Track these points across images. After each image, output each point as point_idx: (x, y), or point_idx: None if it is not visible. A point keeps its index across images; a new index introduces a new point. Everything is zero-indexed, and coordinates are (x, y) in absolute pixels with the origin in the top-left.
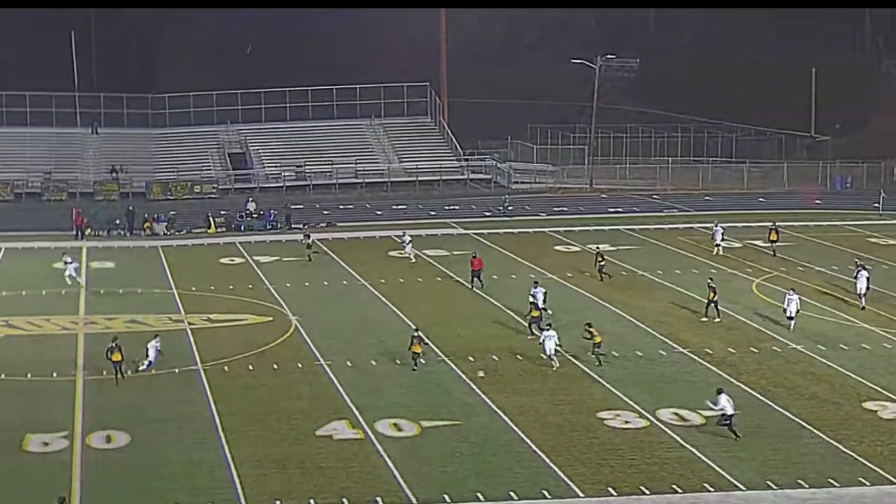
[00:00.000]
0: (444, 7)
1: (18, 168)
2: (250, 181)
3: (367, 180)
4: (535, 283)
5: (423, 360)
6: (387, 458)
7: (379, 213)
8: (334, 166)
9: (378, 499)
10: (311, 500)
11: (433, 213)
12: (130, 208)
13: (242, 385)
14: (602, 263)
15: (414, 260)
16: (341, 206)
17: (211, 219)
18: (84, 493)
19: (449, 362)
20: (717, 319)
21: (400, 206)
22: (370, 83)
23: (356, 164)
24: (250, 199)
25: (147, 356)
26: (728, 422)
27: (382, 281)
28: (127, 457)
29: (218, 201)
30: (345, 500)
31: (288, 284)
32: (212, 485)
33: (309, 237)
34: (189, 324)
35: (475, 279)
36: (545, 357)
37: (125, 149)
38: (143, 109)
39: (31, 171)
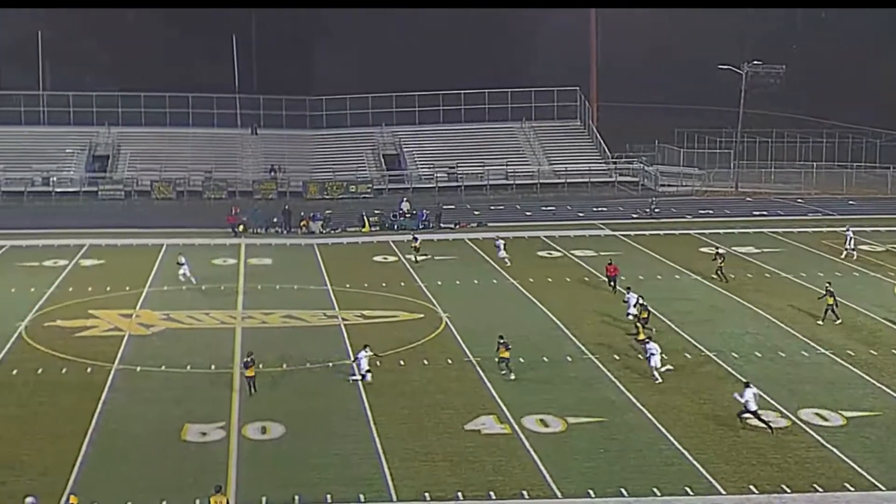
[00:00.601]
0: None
1: (181, 167)
2: (404, 181)
3: (517, 182)
4: (628, 288)
5: (508, 366)
6: (533, 453)
7: (528, 213)
8: (486, 168)
9: (524, 492)
10: (459, 493)
11: (581, 214)
12: (287, 207)
13: (394, 380)
14: (721, 265)
15: (509, 263)
16: (492, 207)
17: (365, 218)
18: (239, 482)
19: (595, 360)
20: (838, 321)
21: (549, 207)
22: (522, 87)
23: (507, 165)
24: (404, 198)
25: (359, 367)
26: (749, 415)
27: (531, 280)
28: (281, 447)
29: (372, 201)
30: (492, 493)
31: (439, 282)
32: (362, 476)
33: (417, 240)
34: (343, 320)
35: (612, 285)
36: (652, 369)
37: (283, 149)
38: (301, 111)
39: (193, 170)
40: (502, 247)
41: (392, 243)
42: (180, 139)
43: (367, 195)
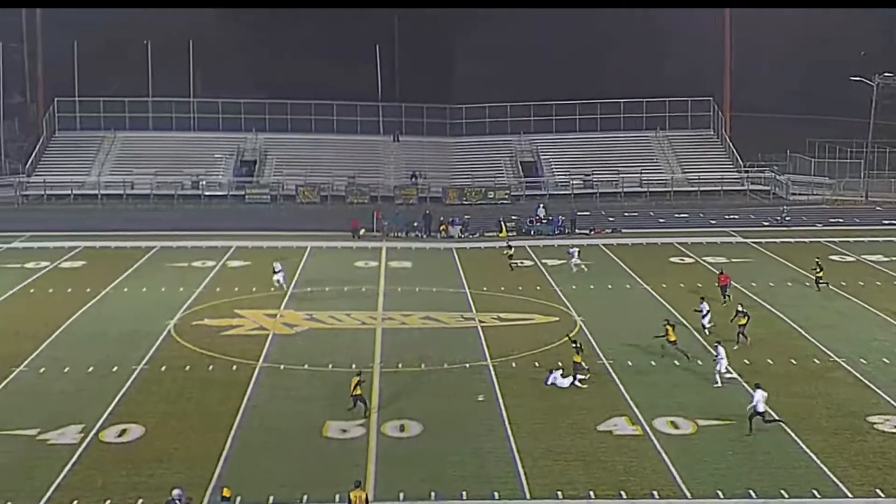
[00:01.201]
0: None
1: (325, 172)
2: (540, 188)
3: (651, 189)
4: (702, 298)
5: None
6: (664, 455)
7: (661, 220)
8: (620, 175)
9: (654, 493)
10: (591, 492)
11: (713, 221)
12: (428, 212)
13: (528, 381)
14: (819, 274)
15: (586, 269)
16: (626, 214)
17: (502, 223)
18: (378, 478)
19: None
20: None
21: (682, 215)
22: (656, 96)
23: (641, 173)
24: (540, 204)
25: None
26: (759, 415)
27: (664, 285)
28: (419, 445)
29: (509, 207)
30: (623, 492)
31: (574, 287)
32: (497, 474)
33: (510, 248)
34: (480, 322)
35: (724, 295)
36: (717, 373)
37: (424, 156)
38: (441, 119)
39: (337, 176)
40: (576, 254)
41: (528, 248)
42: (325, 145)
43: (504, 201)
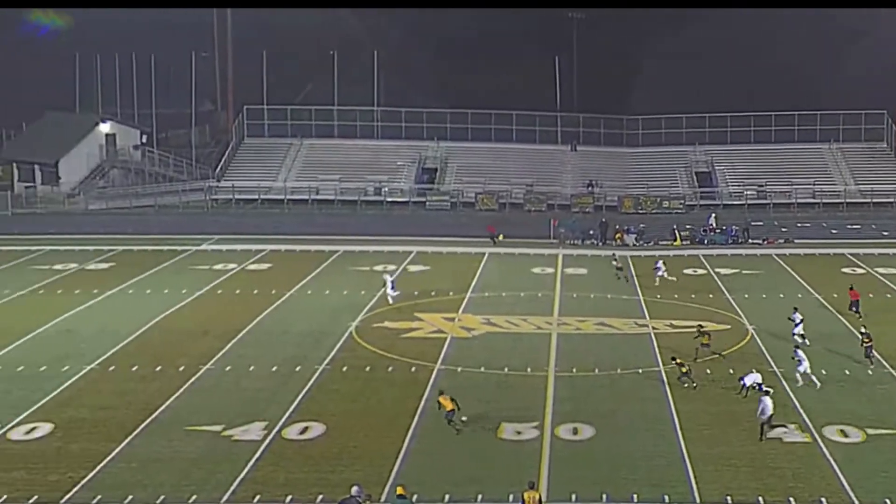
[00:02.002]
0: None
1: (503, 180)
2: (714, 198)
3: (824, 200)
4: (795, 308)
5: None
6: (833, 462)
7: (834, 231)
8: (793, 186)
9: (822, 499)
10: (760, 498)
11: (885, 233)
12: (603, 220)
13: (700, 387)
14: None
15: (675, 280)
16: (798, 224)
17: (676, 232)
18: (551, 480)
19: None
20: None
21: (854, 226)
22: (830, 109)
23: (814, 185)
24: (712, 214)
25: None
26: (766, 421)
27: (835, 295)
28: (591, 448)
29: (683, 216)
30: (791, 499)
31: (746, 295)
32: (667, 478)
33: (616, 258)
34: (653, 328)
35: (855, 311)
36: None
37: (600, 165)
38: (618, 130)
39: (515, 184)
40: (662, 267)
41: (702, 257)
42: (504, 154)
43: (678, 210)
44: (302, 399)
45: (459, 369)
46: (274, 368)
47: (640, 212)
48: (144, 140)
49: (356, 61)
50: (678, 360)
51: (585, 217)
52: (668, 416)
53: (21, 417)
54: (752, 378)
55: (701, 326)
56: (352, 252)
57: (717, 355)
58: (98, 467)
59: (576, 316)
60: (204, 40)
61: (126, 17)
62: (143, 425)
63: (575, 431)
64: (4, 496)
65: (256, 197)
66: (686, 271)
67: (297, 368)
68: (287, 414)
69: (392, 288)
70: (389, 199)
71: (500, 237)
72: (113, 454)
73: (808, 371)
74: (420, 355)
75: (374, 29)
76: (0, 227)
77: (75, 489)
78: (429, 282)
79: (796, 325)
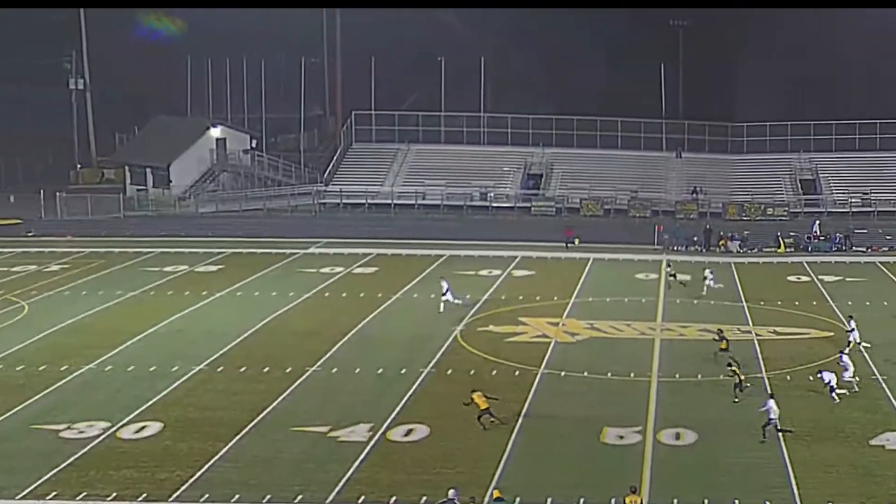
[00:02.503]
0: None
1: (608, 186)
2: (818, 206)
3: None
4: (850, 317)
5: (747, 385)
6: None
7: None
8: None
9: None
10: None
11: None
12: (708, 227)
13: (802, 394)
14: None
15: (722, 286)
16: None
17: (781, 239)
18: (653, 484)
19: None
20: None
21: None
22: None
23: None
24: (816, 221)
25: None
26: (770, 424)
27: None
28: (693, 454)
29: (787, 223)
30: None
31: (850, 303)
32: (770, 483)
33: (670, 266)
34: (756, 335)
35: None
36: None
37: (705, 172)
38: (723, 137)
39: (620, 190)
40: (711, 276)
41: (805, 264)
42: (608, 160)
43: (782, 218)
44: (407, 401)
45: (563, 374)
46: (379, 371)
47: (745, 219)
48: (254, 144)
49: (463, 67)
50: (733, 368)
51: (689, 223)
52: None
53: (131, 416)
54: (829, 376)
55: (720, 331)
56: (457, 256)
57: (733, 360)
58: (206, 466)
59: (679, 322)
60: (314, 46)
61: (238, 23)
62: (250, 425)
63: (677, 436)
64: (114, 494)
65: (364, 201)
66: (790, 278)
67: (403, 371)
68: (392, 416)
69: (451, 294)
70: (495, 205)
71: (577, 241)
72: (220, 454)
73: (851, 378)
74: (524, 359)
75: (481, 35)
76: (112, 229)
77: (183, 488)
78: (533, 286)
79: (850, 332)
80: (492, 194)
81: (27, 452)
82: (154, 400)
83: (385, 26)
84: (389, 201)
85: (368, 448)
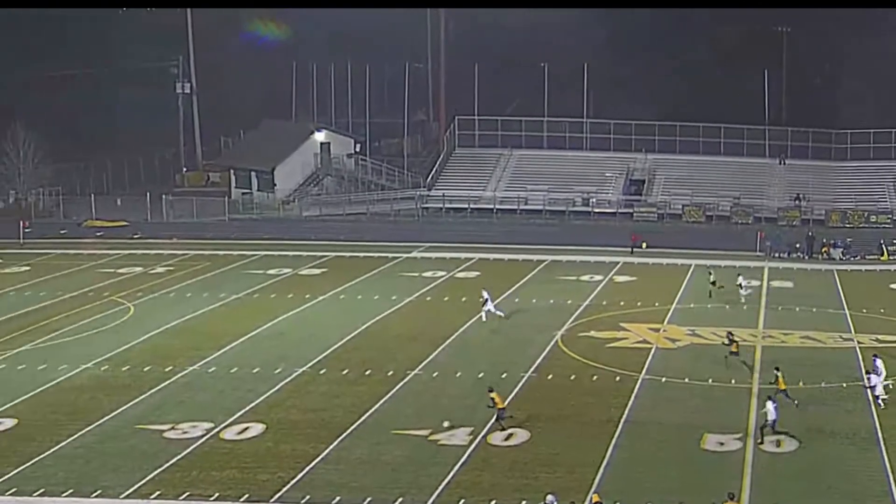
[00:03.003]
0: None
1: (710, 193)
2: None
3: None
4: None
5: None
6: None
7: None
8: None
9: None
10: None
11: None
12: (810, 234)
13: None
14: None
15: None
16: None
17: (884, 247)
18: (753, 492)
19: None
20: None
21: None
22: None
23: None
24: None
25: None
26: (768, 425)
27: None
28: (794, 461)
29: (890, 231)
30: None
31: None
32: (871, 492)
33: (711, 271)
34: (858, 343)
35: None
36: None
37: (808, 179)
38: (826, 144)
39: (722, 196)
40: (744, 283)
41: None
42: (711, 167)
43: (886, 225)
44: (508, 405)
45: (664, 379)
46: (480, 375)
47: (847, 226)
48: (358, 149)
49: (566, 73)
50: (779, 377)
51: (792, 230)
52: (872, 430)
53: (234, 418)
54: (875, 380)
55: (730, 334)
56: (559, 262)
57: (745, 364)
58: (307, 468)
59: (781, 329)
60: (418, 51)
61: (344, 29)
62: (351, 428)
63: (778, 444)
64: (216, 494)
65: (466, 206)
66: (893, 286)
67: (503, 375)
68: (492, 420)
69: (492, 305)
70: (597, 210)
71: (644, 246)
72: (322, 455)
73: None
74: (625, 365)
75: (585, 40)
76: (217, 232)
77: (285, 489)
78: (635, 292)
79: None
80: (594, 200)
81: (132, 452)
82: (257, 402)
83: (489, 32)
84: (492, 206)
85: (469, 452)
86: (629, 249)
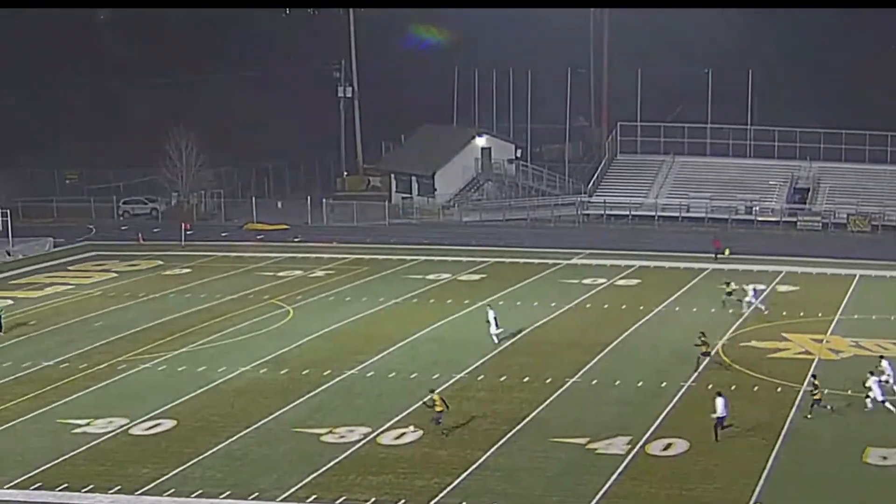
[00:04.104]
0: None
1: (877, 202)
2: None
3: None
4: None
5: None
6: None
7: None
8: None
9: None
10: None
11: None
12: None
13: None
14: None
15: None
16: None
17: None
18: None
19: None
20: None
21: None
22: None
23: None
24: None
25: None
26: (719, 423)
27: None
28: None
29: None
30: None
31: None
32: None
33: (728, 284)
34: None
35: None
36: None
37: None
38: None
39: (889, 206)
40: (753, 293)
41: None
42: (878, 176)
43: None
44: (666, 415)
45: (825, 391)
46: (639, 384)
47: None
48: (519, 154)
49: (729, 80)
50: (815, 383)
51: None
52: None
53: (391, 423)
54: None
55: (702, 334)
56: (720, 270)
57: (720, 365)
58: (464, 474)
59: None
60: (580, 57)
61: (505, 33)
62: (509, 435)
63: None
64: (372, 499)
65: (627, 213)
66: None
67: (663, 384)
68: (651, 429)
69: (496, 324)
70: (760, 218)
71: (727, 252)
72: (479, 462)
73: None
74: (786, 376)
75: (749, 47)
76: (377, 237)
77: (441, 495)
78: (797, 302)
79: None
80: (757, 208)
81: (289, 455)
82: (414, 406)
83: (651, 38)
84: (653, 213)
85: (627, 461)
86: (713, 255)
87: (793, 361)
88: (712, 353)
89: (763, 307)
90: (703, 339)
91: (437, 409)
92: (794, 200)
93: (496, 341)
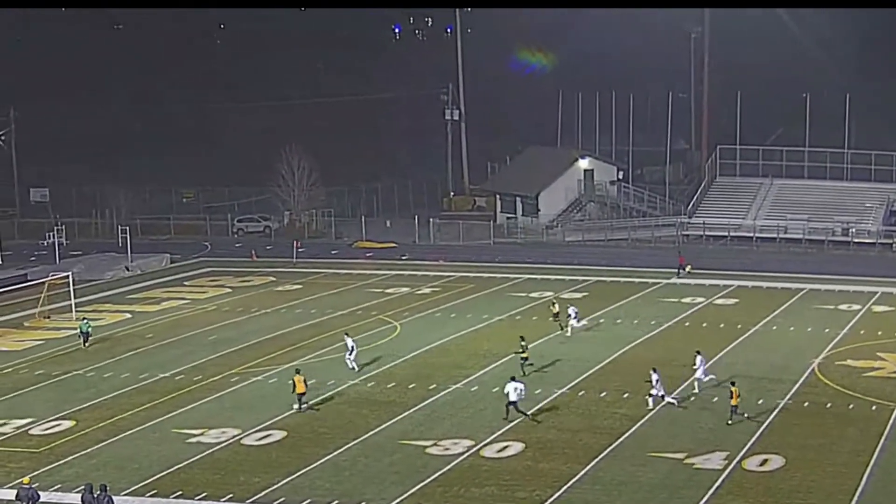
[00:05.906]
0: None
1: None
2: None
3: None
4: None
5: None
6: None
7: None
8: None
9: None
10: None
11: None
12: None
13: None
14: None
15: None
16: None
17: None
18: None
19: None
20: None
21: None
22: None
23: None
24: None
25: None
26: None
27: None
28: None
29: None
30: None
31: None
32: None
33: (554, 304)
34: None
35: None
36: None
37: None
38: None
39: None
40: (574, 315)
41: None
42: None
43: None
44: (763, 431)
45: None
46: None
47: None
48: (621, 176)
49: (827, 104)
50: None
51: None
52: None
53: (494, 436)
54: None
55: (522, 338)
56: (817, 291)
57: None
58: (564, 487)
59: None
60: (681, 81)
61: (606, 58)
62: (608, 449)
63: None
64: None
65: (726, 234)
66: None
67: (759, 402)
68: (748, 445)
69: (354, 355)
70: (856, 241)
71: (689, 269)
72: (579, 475)
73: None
74: (882, 395)
75: (847, 71)
76: (482, 256)
77: None
78: (893, 322)
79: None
80: (853, 230)
81: (395, 466)
82: (517, 420)
83: (751, 62)
84: (751, 234)
85: (723, 476)
86: (675, 271)
87: (888, 380)
88: (812, 369)
89: (580, 324)
90: (521, 342)
91: (300, 391)
92: (891, 223)
93: (355, 368)
